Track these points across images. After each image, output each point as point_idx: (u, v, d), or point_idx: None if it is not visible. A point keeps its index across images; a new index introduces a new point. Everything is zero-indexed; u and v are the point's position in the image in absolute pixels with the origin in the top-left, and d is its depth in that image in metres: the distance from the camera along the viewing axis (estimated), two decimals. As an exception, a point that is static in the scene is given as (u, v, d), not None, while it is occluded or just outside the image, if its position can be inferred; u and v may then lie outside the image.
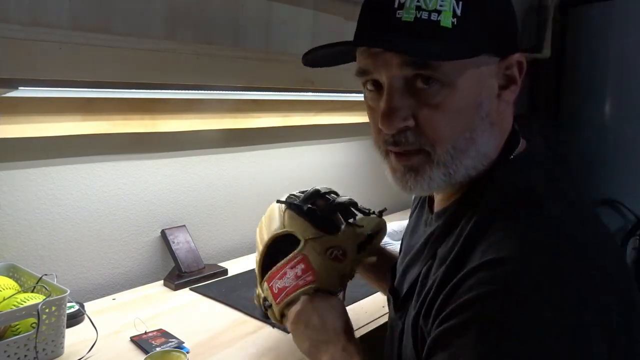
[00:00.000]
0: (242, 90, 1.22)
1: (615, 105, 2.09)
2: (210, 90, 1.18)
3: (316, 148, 1.78)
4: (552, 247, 0.51)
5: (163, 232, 1.34)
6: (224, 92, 1.24)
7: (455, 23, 0.55)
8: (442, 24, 0.55)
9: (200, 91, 1.18)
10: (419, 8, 0.55)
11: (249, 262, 1.36)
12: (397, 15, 0.55)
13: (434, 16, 0.55)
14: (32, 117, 1.06)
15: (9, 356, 0.83)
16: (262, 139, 1.59)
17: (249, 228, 1.58)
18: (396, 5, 0.55)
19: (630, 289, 0.54)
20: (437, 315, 0.54)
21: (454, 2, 0.55)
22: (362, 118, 1.83)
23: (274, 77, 1.03)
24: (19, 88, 0.86)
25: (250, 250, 1.54)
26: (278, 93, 1.34)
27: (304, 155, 1.74)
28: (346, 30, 1.16)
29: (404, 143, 0.59)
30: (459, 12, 0.55)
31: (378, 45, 0.57)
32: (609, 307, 0.50)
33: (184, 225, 1.39)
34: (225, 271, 1.34)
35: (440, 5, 0.55)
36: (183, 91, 1.14)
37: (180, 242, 1.35)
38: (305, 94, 1.39)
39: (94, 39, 0.76)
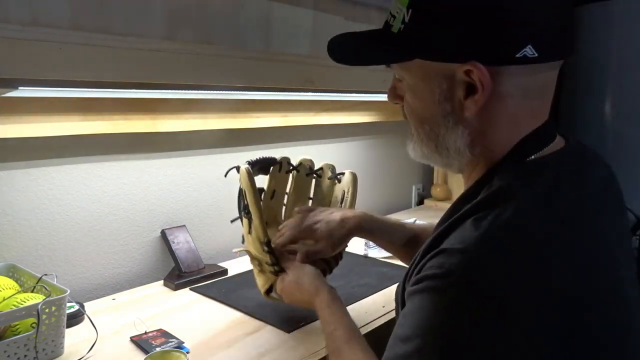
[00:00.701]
0: (242, 90, 1.22)
1: (615, 105, 2.08)
2: (210, 90, 1.18)
3: (316, 148, 1.78)
4: (496, 247, 0.55)
5: (163, 232, 1.34)
6: (224, 92, 1.24)
7: (401, 29, 0.62)
8: (392, 29, 0.63)
9: (200, 91, 1.18)
10: (390, 14, 0.64)
11: (249, 263, 1.36)
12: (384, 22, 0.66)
13: (391, 21, 0.64)
14: (32, 117, 1.06)
15: (8, 356, 0.83)
16: (262, 139, 1.59)
17: (249, 228, 1.58)
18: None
19: (582, 296, 0.56)
20: (409, 282, 0.62)
21: (405, 9, 0.61)
22: (362, 118, 1.84)
23: (274, 77, 1.03)
24: (19, 88, 0.86)
25: (250, 250, 1.54)
26: (278, 93, 1.34)
27: (304, 155, 1.74)
28: (346, 30, 1.16)
29: (404, 116, 0.71)
30: (407, 19, 0.61)
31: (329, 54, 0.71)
32: (533, 311, 0.53)
33: (184, 225, 1.39)
34: (225, 271, 1.34)
35: (397, 12, 0.62)
36: (183, 91, 1.14)
37: (180, 242, 1.35)
38: (305, 94, 1.39)
39: (94, 39, 0.76)
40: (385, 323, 1.06)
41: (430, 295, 0.56)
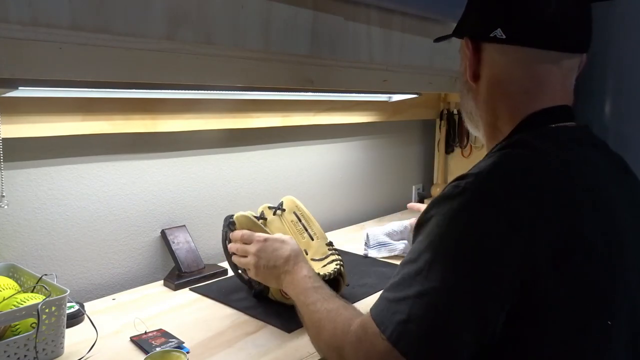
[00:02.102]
0: (242, 90, 1.22)
1: (615, 105, 2.08)
2: (210, 90, 1.18)
3: (316, 148, 1.78)
4: (507, 170, 0.65)
5: (163, 232, 1.34)
6: (223, 92, 1.24)
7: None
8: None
9: (200, 91, 1.18)
10: None
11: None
12: None
13: None
14: (32, 117, 1.06)
15: (9, 356, 0.83)
16: (262, 139, 1.59)
17: (249, 228, 1.58)
18: None
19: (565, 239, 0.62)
20: None
21: None
22: (362, 118, 1.84)
23: (274, 77, 1.03)
24: (19, 88, 0.86)
25: (250, 250, 1.55)
26: (278, 93, 1.35)
27: (304, 155, 1.74)
28: (346, 30, 1.16)
29: None
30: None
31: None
32: (533, 226, 0.60)
33: (184, 225, 1.39)
34: (225, 271, 1.34)
35: None
36: (183, 91, 1.14)
37: (180, 242, 1.35)
38: (305, 94, 1.39)
39: (94, 39, 0.76)
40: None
41: (444, 212, 0.64)
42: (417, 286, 0.61)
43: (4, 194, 0.99)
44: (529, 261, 0.60)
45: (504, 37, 0.72)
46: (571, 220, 0.63)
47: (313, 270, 0.94)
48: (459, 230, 0.62)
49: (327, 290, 0.84)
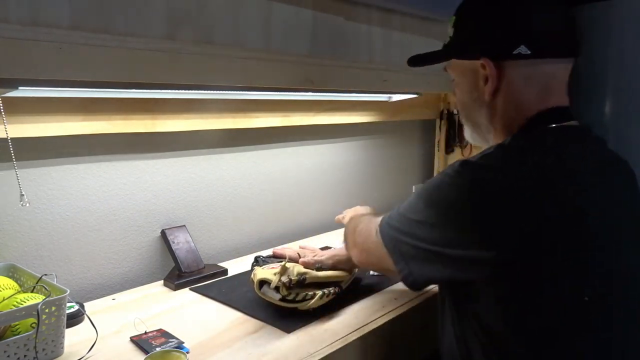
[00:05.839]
0: (242, 90, 1.22)
1: (615, 105, 2.08)
2: (210, 90, 1.18)
3: (316, 148, 1.78)
4: (503, 155, 0.76)
5: (163, 232, 1.34)
6: (224, 92, 1.24)
7: (447, 42, 0.89)
8: (445, 43, 0.90)
9: (200, 91, 1.18)
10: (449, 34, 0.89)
11: (249, 262, 1.36)
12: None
13: (447, 39, 0.90)
14: (32, 117, 1.06)
15: (8, 356, 0.83)
16: (262, 139, 1.59)
17: (249, 228, 1.58)
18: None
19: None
20: None
21: (451, 30, 0.87)
22: (362, 118, 1.84)
23: (274, 77, 1.03)
24: (19, 88, 0.86)
25: (250, 250, 1.55)
26: (278, 93, 1.34)
27: (304, 155, 1.74)
28: (346, 30, 1.16)
29: None
30: (451, 35, 0.88)
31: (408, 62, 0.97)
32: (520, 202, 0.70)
33: (184, 225, 1.39)
34: (225, 271, 1.34)
35: (449, 34, 0.88)
36: (183, 91, 1.14)
37: (180, 242, 1.35)
38: (305, 94, 1.39)
39: (93, 38, 0.76)
40: (385, 323, 1.06)
41: (441, 181, 0.77)
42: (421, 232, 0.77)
43: (23, 192, 0.99)
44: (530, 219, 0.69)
45: (529, 52, 0.78)
46: (570, 193, 0.72)
47: None
48: (454, 198, 0.75)
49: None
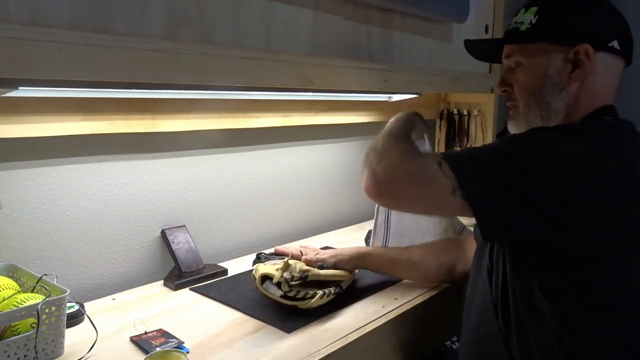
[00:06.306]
0: (242, 90, 1.22)
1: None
2: (210, 90, 1.18)
3: (316, 148, 1.78)
4: (557, 129, 0.87)
5: (163, 232, 1.34)
6: (224, 92, 1.24)
7: (529, 28, 0.92)
8: (521, 29, 0.93)
9: (200, 91, 1.18)
10: (516, 22, 0.95)
11: (249, 262, 1.36)
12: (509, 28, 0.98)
13: (518, 26, 0.94)
14: (32, 117, 1.06)
15: (8, 356, 0.83)
16: (262, 139, 1.59)
17: (249, 228, 1.58)
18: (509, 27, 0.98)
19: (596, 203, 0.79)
20: None
21: (532, 17, 0.92)
22: (362, 118, 1.84)
23: (274, 77, 1.03)
24: (19, 88, 0.86)
25: (250, 250, 1.54)
26: (278, 93, 1.34)
27: (304, 155, 1.74)
28: (346, 30, 1.16)
29: (509, 100, 0.99)
30: (534, 21, 0.92)
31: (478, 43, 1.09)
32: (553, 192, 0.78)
33: (184, 225, 1.39)
34: (225, 271, 1.34)
35: (523, 20, 0.93)
36: (183, 91, 1.14)
37: (180, 242, 1.35)
38: (305, 94, 1.39)
39: (94, 39, 0.75)
40: (385, 323, 1.06)
41: (499, 143, 0.85)
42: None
43: None
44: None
45: (618, 48, 0.88)
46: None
47: None
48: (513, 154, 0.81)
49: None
